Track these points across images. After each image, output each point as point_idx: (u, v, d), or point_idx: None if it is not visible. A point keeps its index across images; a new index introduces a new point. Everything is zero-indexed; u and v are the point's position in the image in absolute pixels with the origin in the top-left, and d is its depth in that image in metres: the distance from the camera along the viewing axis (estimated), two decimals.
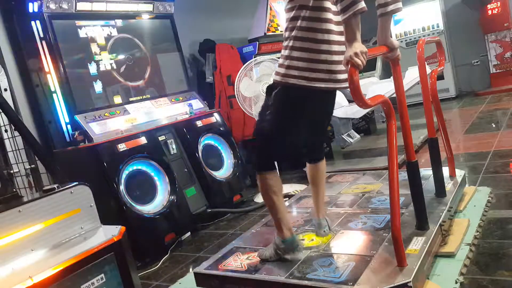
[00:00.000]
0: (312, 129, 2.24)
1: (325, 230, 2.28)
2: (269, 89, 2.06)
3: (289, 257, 2.06)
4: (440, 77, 6.44)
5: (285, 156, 2.17)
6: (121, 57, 3.56)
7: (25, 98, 3.22)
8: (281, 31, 4.97)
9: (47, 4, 3.01)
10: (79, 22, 3.29)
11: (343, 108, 4.09)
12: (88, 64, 3.32)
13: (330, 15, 1.85)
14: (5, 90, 2.94)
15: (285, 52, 1.94)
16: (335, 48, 1.87)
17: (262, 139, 2.05)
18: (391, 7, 1.89)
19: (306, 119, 2.06)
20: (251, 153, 2.22)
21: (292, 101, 1.94)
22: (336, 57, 1.86)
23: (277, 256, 2.09)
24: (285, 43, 1.95)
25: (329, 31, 1.86)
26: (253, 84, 3.65)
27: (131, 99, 3.55)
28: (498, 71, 6.65)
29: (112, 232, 1.89)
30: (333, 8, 1.82)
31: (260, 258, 2.14)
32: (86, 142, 2.99)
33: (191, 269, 2.66)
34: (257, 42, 4.65)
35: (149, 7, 3.77)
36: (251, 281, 2.00)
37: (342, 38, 1.83)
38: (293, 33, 1.89)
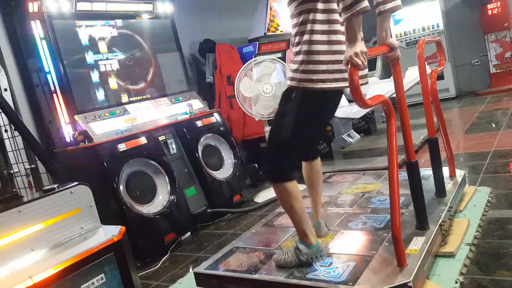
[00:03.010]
0: (322, 128, 2.25)
1: (325, 232, 2.28)
2: (285, 94, 2.03)
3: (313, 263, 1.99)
4: (440, 77, 6.44)
5: (300, 161, 2.15)
6: (121, 57, 3.56)
7: (25, 98, 3.22)
8: (281, 31, 4.96)
9: (47, 4, 3.01)
10: (79, 22, 3.29)
11: (343, 108, 4.08)
12: (88, 64, 3.32)
13: (337, 16, 1.85)
14: (5, 90, 2.95)
15: (298, 58, 1.90)
16: (344, 48, 1.87)
17: (282, 147, 1.96)
18: (389, 5, 1.88)
19: (322, 120, 2.07)
20: (264, 163, 2.14)
21: (310, 105, 1.92)
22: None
23: (299, 263, 2.00)
24: (296, 48, 1.93)
25: (337, 32, 1.86)
26: (253, 84, 3.65)
27: (131, 99, 3.55)
28: (498, 71, 6.65)
29: (112, 232, 1.89)
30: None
31: (278, 264, 2.05)
32: (86, 142, 2.99)
33: (191, 269, 2.66)
34: (257, 42, 4.64)
35: (149, 7, 3.77)
36: (251, 281, 2.00)
37: None
38: (305, 37, 1.87)
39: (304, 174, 2.31)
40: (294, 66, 1.93)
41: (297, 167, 2.15)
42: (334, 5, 1.83)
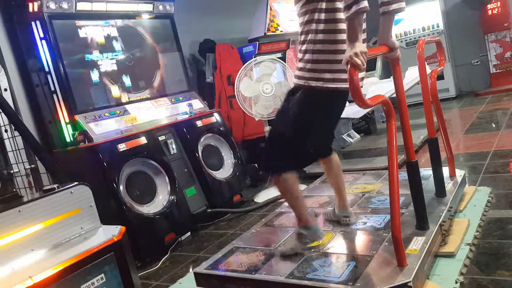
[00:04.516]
0: (331, 127, 2.30)
1: (355, 219, 2.38)
2: (291, 92, 2.06)
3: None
4: (440, 77, 6.44)
5: (302, 157, 2.21)
6: (121, 57, 3.56)
7: (25, 98, 3.22)
8: (281, 31, 4.96)
9: (47, 4, 3.01)
10: (79, 22, 3.29)
11: None
12: (88, 64, 3.31)
13: (342, 15, 1.86)
14: (5, 90, 2.94)
15: (305, 56, 1.94)
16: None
17: (283, 141, 2.02)
18: (394, 6, 1.88)
19: (328, 119, 2.10)
20: (264, 156, 2.21)
21: (316, 104, 1.95)
22: None
23: (300, 247, 2.11)
24: (302, 47, 1.95)
25: (342, 31, 1.86)
26: (253, 84, 3.65)
27: (131, 99, 3.55)
28: (498, 71, 6.65)
29: (112, 232, 1.89)
30: None
31: (283, 255, 2.12)
32: (86, 142, 2.99)
33: (191, 269, 2.66)
34: (257, 42, 4.64)
35: (149, 7, 3.77)
36: (251, 281, 2.00)
37: None
38: (310, 37, 1.89)
39: (324, 168, 2.39)
40: (301, 65, 1.96)
41: (300, 165, 2.17)
42: (339, 4, 1.84)
